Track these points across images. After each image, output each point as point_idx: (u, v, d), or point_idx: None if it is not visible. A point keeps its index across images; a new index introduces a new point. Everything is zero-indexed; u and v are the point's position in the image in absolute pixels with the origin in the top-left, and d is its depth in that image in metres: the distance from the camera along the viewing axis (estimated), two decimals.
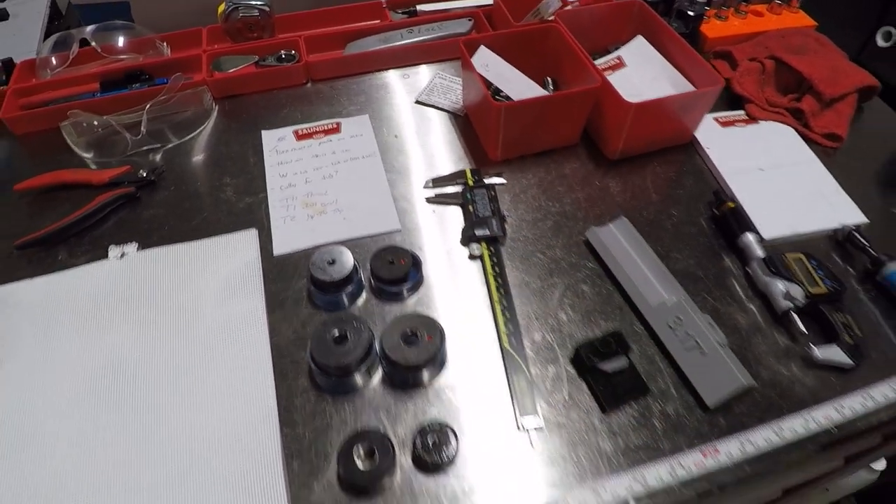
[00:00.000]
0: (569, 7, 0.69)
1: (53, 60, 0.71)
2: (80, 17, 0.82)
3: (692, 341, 0.48)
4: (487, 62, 0.63)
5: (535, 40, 0.65)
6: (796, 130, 0.67)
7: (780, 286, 0.52)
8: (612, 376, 0.47)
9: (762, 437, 0.46)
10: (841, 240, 0.58)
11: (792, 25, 0.79)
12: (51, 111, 0.66)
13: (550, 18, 0.67)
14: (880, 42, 1.78)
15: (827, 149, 0.67)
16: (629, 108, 0.57)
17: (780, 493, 0.98)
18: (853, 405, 0.48)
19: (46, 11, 1.16)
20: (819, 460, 0.56)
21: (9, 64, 0.72)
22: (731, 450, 0.45)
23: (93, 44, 0.70)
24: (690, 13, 0.70)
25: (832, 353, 0.49)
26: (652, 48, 0.67)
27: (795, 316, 0.51)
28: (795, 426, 0.47)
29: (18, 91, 0.69)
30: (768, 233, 0.57)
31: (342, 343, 0.45)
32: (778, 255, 0.53)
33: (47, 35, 1.11)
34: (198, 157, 0.66)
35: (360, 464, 0.42)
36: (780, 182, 0.62)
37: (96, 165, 0.65)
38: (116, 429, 0.46)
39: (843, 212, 0.60)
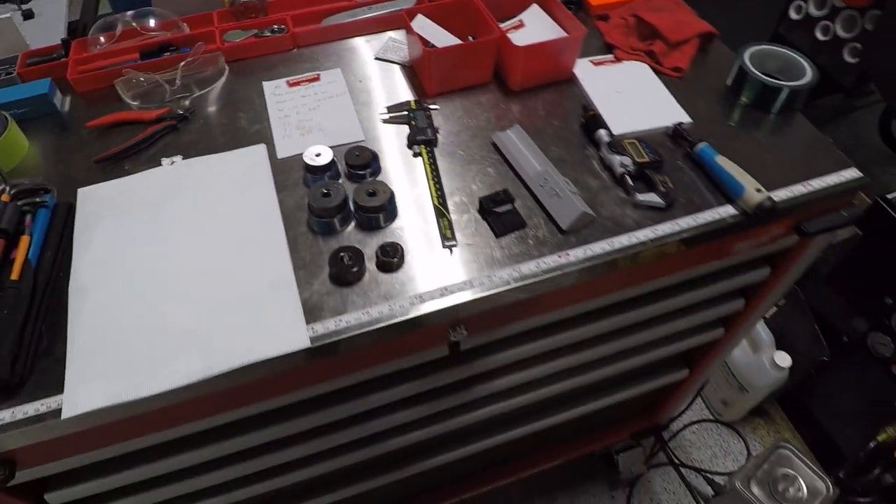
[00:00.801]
0: None
1: (102, 38, 1.00)
2: (111, 8, 1.10)
3: (553, 191, 0.78)
4: (423, 26, 0.92)
5: (458, 10, 0.96)
6: (650, 66, 0.97)
7: (617, 159, 0.81)
8: (502, 215, 0.77)
9: (599, 247, 0.75)
10: (671, 133, 0.88)
11: None
12: (106, 73, 0.95)
13: None
14: (793, 15, 2.14)
15: (673, 78, 0.97)
16: (519, 50, 0.87)
17: (687, 372, 1.28)
18: (664, 228, 0.78)
19: (67, 10, 1.45)
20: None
21: (66, 42, 1.00)
22: (577, 254, 0.75)
23: (133, 24, 0.98)
24: None
25: (649, 198, 0.79)
26: (543, 12, 0.97)
27: (627, 177, 0.81)
28: (622, 240, 0.76)
29: (78, 61, 0.98)
30: (617, 130, 0.87)
31: (328, 196, 0.74)
32: (618, 141, 0.83)
33: (69, 29, 1.40)
34: (217, 102, 0.95)
35: (343, 264, 0.70)
36: (631, 99, 0.92)
37: (138, 109, 0.94)
38: (174, 267, 0.74)
39: (674, 115, 0.90)
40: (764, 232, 0.86)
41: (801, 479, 1.50)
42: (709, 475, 1.66)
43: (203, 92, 0.96)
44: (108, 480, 0.81)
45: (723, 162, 0.81)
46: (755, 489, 1.45)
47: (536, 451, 1.50)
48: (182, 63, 0.93)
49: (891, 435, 1.42)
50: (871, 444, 1.45)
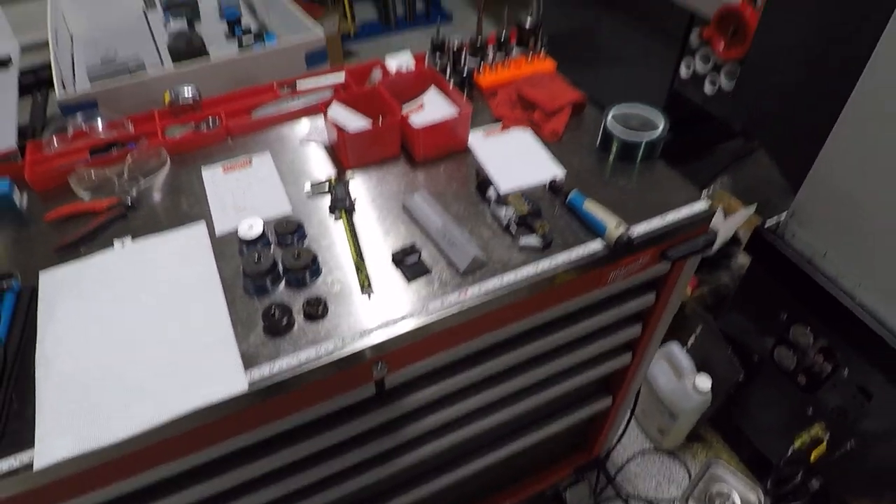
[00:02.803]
0: (389, 76, 1.22)
1: (55, 140, 1.16)
2: (61, 113, 1.28)
3: (452, 241, 0.96)
4: (338, 113, 1.13)
5: (368, 97, 1.17)
6: (533, 132, 1.20)
7: (503, 211, 1.01)
8: (411, 265, 0.95)
9: (491, 284, 0.94)
10: (549, 186, 1.09)
11: (541, 67, 1.33)
12: (60, 171, 1.11)
13: (376, 84, 1.19)
14: (683, 73, 2.48)
15: (552, 141, 1.20)
16: (418, 131, 1.08)
17: (610, 399, 1.44)
18: (544, 265, 0.97)
19: (16, 114, 1.61)
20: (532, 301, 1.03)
21: (21, 146, 1.17)
22: (474, 291, 0.93)
23: (82, 126, 1.16)
24: (464, 72, 1.24)
25: (530, 241, 0.99)
26: (440, 94, 1.19)
27: (512, 226, 1.00)
28: (510, 277, 0.95)
29: (34, 161, 1.14)
30: (504, 188, 1.07)
31: (259, 262, 0.91)
32: (503, 197, 1.04)
33: (20, 132, 1.56)
34: (162, 189, 1.12)
35: (273, 317, 0.86)
36: (516, 161, 1.13)
37: (93, 200, 1.10)
38: (128, 334, 0.89)
39: (552, 171, 1.11)
40: (633, 260, 1.06)
41: (734, 494, 1.66)
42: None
43: (148, 181, 1.13)
44: None
45: (590, 206, 1.02)
46: None
47: (484, 496, 1.62)
48: (128, 158, 1.10)
49: (805, 440, 1.60)
50: (790, 452, 1.63)
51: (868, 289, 1.38)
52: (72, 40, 1.88)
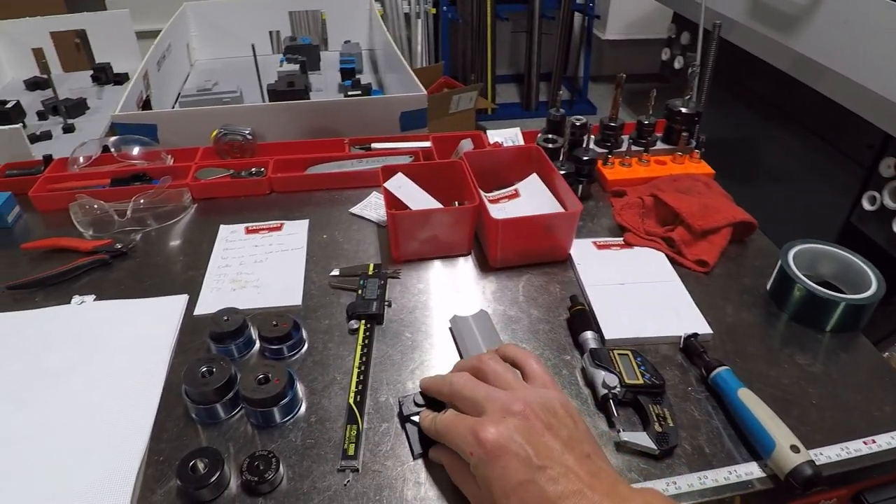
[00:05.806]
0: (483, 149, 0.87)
1: (81, 159, 0.94)
2: (117, 132, 1.07)
3: None
4: (400, 185, 0.79)
5: (445, 172, 0.83)
6: (667, 256, 0.78)
7: (601, 375, 0.60)
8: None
9: None
10: (682, 346, 0.66)
11: (693, 172, 0.92)
12: (66, 194, 0.87)
13: (460, 157, 0.85)
14: (866, 205, 1.91)
15: (696, 273, 0.77)
16: (496, 223, 0.71)
17: None
18: (657, 486, 0.54)
19: (105, 130, 1.45)
20: None
21: (48, 158, 0.96)
22: None
23: (112, 150, 0.93)
24: (585, 158, 0.86)
25: (638, 438, 0.56)
26: (541, 183, 0.82)
27: (612, 403, 0.59)
28: None
29: (48, 179, 0.92)
30: (610, 334, 0.66)
31: (208, 376, 0.57)
32: (604, 350, 0.62)
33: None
34: (166, 240, 0.84)
35: (193, 475, 0.51)
36: (637, 295, 0.72)
37: (91, 238, 0.84)
38: (34, 417, 0.58)
39: (690, 323, 0.68)
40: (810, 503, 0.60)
41: None
42: None
43: (158, 227, 0.86)
44: None
45: (747, 399, 0.58)
46: None
47: None
48: (135, 195, 0.84)
49: None
50: None
51: None
52: (192, 67, 1.79)
